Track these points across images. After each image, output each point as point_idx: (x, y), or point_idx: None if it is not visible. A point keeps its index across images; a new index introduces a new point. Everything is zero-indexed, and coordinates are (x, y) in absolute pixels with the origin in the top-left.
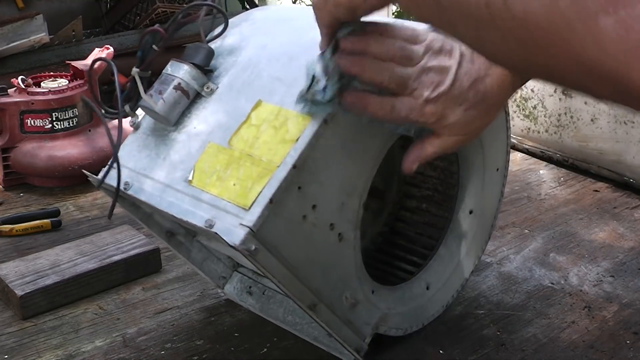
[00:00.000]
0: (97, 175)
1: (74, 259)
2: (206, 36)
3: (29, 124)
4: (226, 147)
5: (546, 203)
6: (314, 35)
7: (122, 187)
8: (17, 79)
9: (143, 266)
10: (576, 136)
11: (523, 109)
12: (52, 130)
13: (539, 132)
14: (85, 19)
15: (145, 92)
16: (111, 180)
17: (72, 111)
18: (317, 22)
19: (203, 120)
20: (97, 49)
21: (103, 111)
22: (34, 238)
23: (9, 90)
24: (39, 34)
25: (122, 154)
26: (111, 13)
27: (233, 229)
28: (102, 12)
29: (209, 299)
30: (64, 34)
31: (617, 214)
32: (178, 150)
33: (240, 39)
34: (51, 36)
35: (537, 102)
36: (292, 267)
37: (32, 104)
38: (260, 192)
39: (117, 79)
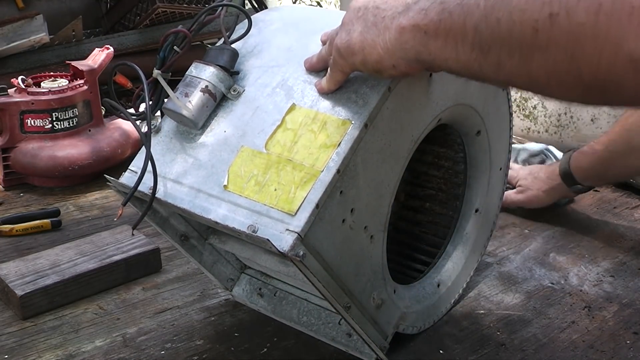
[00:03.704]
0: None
1: (74, 259)
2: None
3: (29, 124)
4: (262, 152)
5: None
6: None
7: (148, 191)
8: (17, 79)
9: (143, 266)
10: (576, 136)
11: (523, 109)
12: (52, 130)
13: (539, 132)
14: (85, 19)
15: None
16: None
17: (72, 111)
18: (335, 67)
19: (231, 123)
20: (97, 49)
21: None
22: (34, 238)
23: (9, 90)
24: (39, 34)
25: (141, 159)
26: (111, 13)
27: (279, 235)
28: (102, 12)
29: (209, 299)
30: (64, 34)
31: (617, 214)
32: (207, 154)
33: (260, 40)
34: (51, 36)
35: (537, 102)
36: (331, 270)
37: (32, 104)
38: (306, 197)
39: (145, 81)
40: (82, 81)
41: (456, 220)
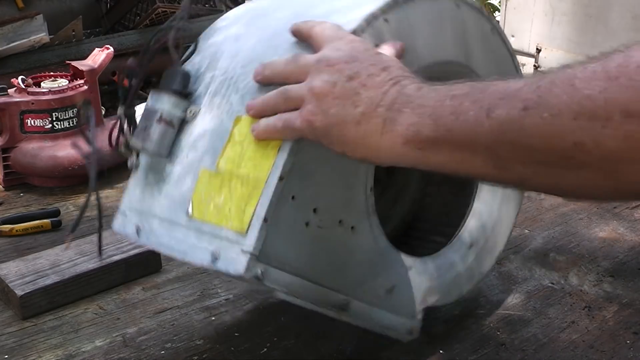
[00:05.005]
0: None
1: (74, 258)
2: (181, 57)
3: (29, 124)
4: (216, 171)
5: (546, 203)
6: (284, 36)
7: (133, 230)
8: (17, 79)
9: (143, 266)
10: None
11: None
12: (52, 130)
13: None
14: (85, 19)
15: (134, 128)
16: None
17: (72, 111)
18: (292, 131)
19: (192, 146)
20: (97, 49)
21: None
22: (34, 238)
23: (9, 90)
24: (39, 34)
25: (128, 199)
26: (111, 13)
27: (236, 258)
28: (102, 12)
29: (209, 299)
30: (64, 34)
31: (617, 213)
32: (175, 183)
33: (215, 50)
34: (51, 36)
35: None
36: (310, 275)
37: (32, 104)
38: (253, 212)
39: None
40: (82, 81)
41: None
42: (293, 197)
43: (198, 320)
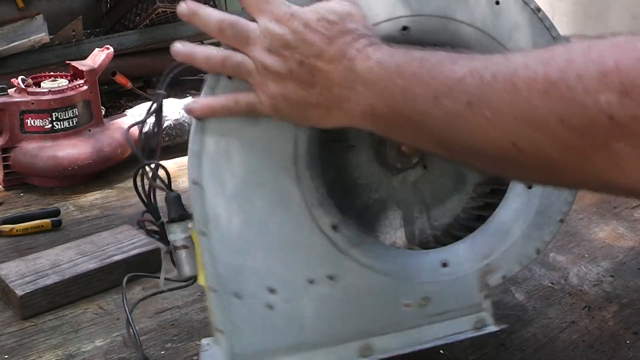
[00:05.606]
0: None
1: (74, 259)
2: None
3: (29, 124)
4: (205, 285)
5: None
6: None
7: None
8: (17, 79)
9: (143, 266)
10: None
11: None
12: (52, 130)
13: None
14: (85, 19)
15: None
16: None
17: (72, 111)
18: (247, 110)
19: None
20: (97, 49)
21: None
22: (34, 238)
23: (9, 90)
24: (39, 34)
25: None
26: (111, 13)
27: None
28: (102, 12)
29: None
30: (64, 34)
31: (617, 213)
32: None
33: None
34: (51, 36)
35: None
36: (310, 341)
37: (32, 104)
38: (214, 324)
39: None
40: (82, 81)
41: None
42: (237, 295)
43: (198, 320)
